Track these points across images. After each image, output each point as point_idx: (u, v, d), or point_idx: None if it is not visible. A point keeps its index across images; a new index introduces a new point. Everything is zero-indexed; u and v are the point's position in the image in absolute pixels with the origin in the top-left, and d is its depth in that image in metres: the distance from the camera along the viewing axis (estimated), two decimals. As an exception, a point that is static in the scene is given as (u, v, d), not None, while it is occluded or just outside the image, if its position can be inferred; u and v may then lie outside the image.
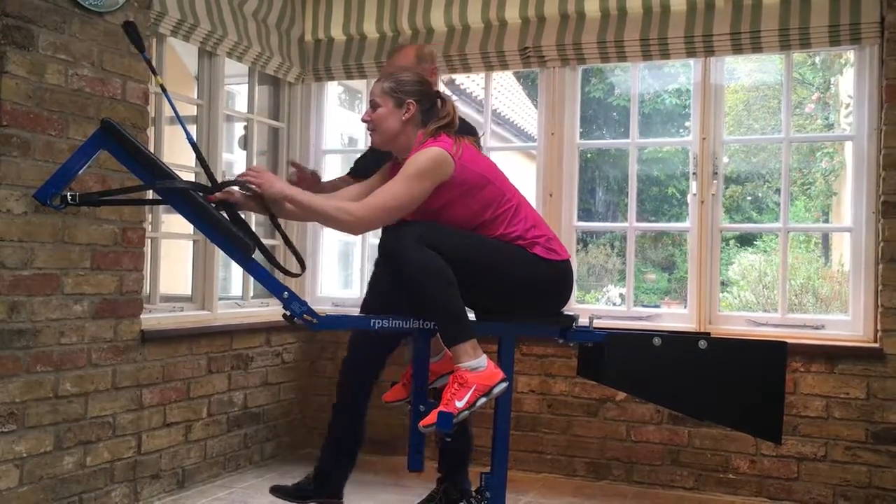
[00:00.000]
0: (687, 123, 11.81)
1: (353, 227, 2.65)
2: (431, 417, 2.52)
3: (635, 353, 2.78)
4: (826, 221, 10.17)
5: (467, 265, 2.57)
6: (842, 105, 8.02)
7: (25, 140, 3.04)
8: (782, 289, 4.21)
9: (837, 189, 9.85)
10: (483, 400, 2.51)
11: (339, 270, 8.59)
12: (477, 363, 2.53)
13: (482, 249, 2.64)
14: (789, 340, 3.77)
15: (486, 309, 2.75)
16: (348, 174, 3.52)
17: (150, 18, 3.64)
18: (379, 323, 2.74)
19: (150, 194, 2.74)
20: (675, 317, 4.27)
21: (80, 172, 2.50)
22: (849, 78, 8.68)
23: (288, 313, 2.67)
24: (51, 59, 3.12)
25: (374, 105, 2.75)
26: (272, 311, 4.65)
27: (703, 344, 2.73)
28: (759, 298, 8.59)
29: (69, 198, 2.44)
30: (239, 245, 2.63)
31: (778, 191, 11.25)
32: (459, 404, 2.47)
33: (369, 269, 3.75)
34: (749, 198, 10.93)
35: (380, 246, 2.77)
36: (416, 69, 3.07)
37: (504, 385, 2.57)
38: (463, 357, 2.53)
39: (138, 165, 2.55)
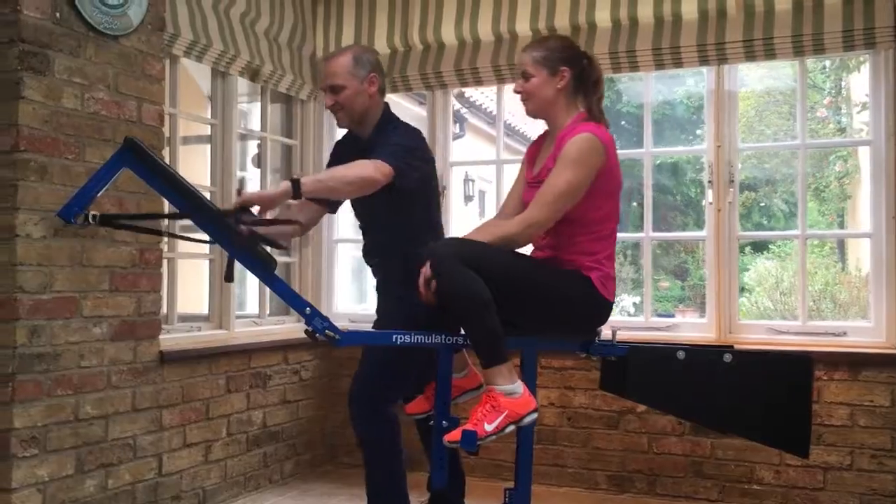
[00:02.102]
0: (698, 131, 11.79)
1: (534, 233, 2.64)
2: (456, 434, 2.50)
3: (659, 366, 2.76)
4: (841, 225, 10.11)
5: (507, 284, 2.54)
6: (856, 106, 7.95)
7: (43, 164, 3.05)
8: (802, 296, 4.17)
9: (852, 192, 9.79)
10: (512, 427, 2.49)
11: (353, 283, 8.60)
12: (513, 388, 2.51)
13: (523, 268, 2.62)
14: (811, 348, 3.77)
15: (518, 325, 2.70)
16: None
17: (164, 40, 3.65)
18: (401, 338, 2.74)
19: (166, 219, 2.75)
20: (694, 326, 4.24)
21: (103, 191, 2.51)
22: (861, 78, 8.67)
23: (310, 329, 2.67)
24: (67, 83, 3.13)
25: (526, 75, 2.74)
26: (289, 328, 4.65)
27: (727, 357, 2.71)
28: (777, 305, 8.52)
29: (90, 217, 2.46)
30: (262, 261, 2.65)
31: (790, 195, 11.20)
32: (489, 427, 2.45)
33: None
34: (762, 204, 10.89)
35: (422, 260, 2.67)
36: (353, 79, 2.99)
37: (535, 415, 2.55)
38: (498, 379, 2.51)
39: (160, 183, 2.57)
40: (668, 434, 4.01)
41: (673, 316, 10.14)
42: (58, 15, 3.08)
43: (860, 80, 8.66)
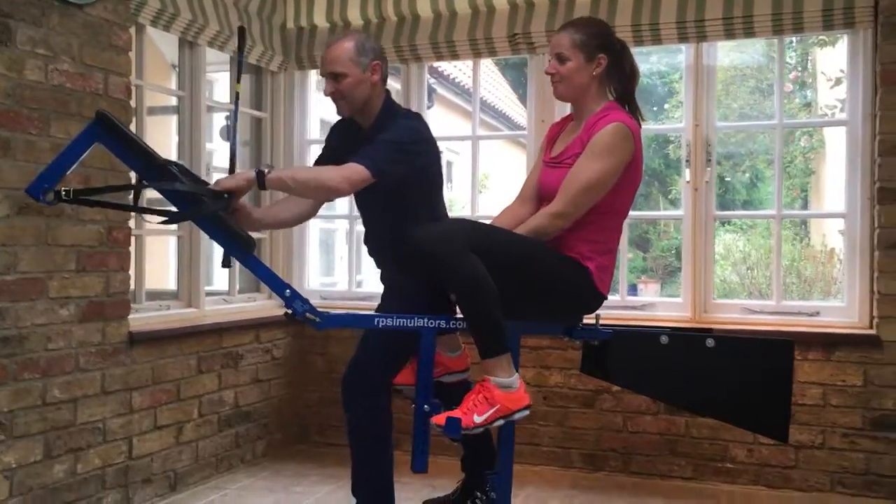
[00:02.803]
0: (666, 105, 11.80)
1: (563, 226, 2.58)
2: (441, 419, 2.46)
3: (642, 350, 2.75)
4: (805, 200, 10.22)
5: (504, 264, 2.48)
6: (829, 80, 7.94)
7: (5, 140, 2.92)
8: (777, 276, 4.19)
9: (816, 168, 9.89)
10: (501, 422, 2.46)
11: (321, 255, 8.51)
12: (509, 381, 2.47)
13: (522, 249, 2.55)
14: (785, 328, 3.81)
15: (506, 306, 2.65)
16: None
17: (130, 9, 3.50)
18: (384, 322, 2.68)
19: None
20: (669, 305, 4.24)
21: (73, 166, 2.42)
22: (829, 53, 8.70)
23: (290, 311, 2.62)
24: (30, 55, 2.99)
25: (561, 58, 2.65)
26: (260, 305, 4.58)
27: (710, 342, 2.70)
28: (744, 280, 8.59)
29: (63, 193, 2.36)
30: (240, 242, 2.58)
31: (752, 169, 11.29)
32: (478, 419, 2.41)
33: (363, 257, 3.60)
34: (727, 178, 10.95)
35: (414, 240, 2.56)
36: (354, 67, 2.85)
37: (526, 412, 2.51)
38: (496, 371, 2.46)
39: (135, 159, 2.47)
40: (642, 413, 4.02)
41: (635, 287, 10.21)
42: (20, -18, 2.94)
43: (828, 56, 8.67)
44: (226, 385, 4.07)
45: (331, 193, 2.85)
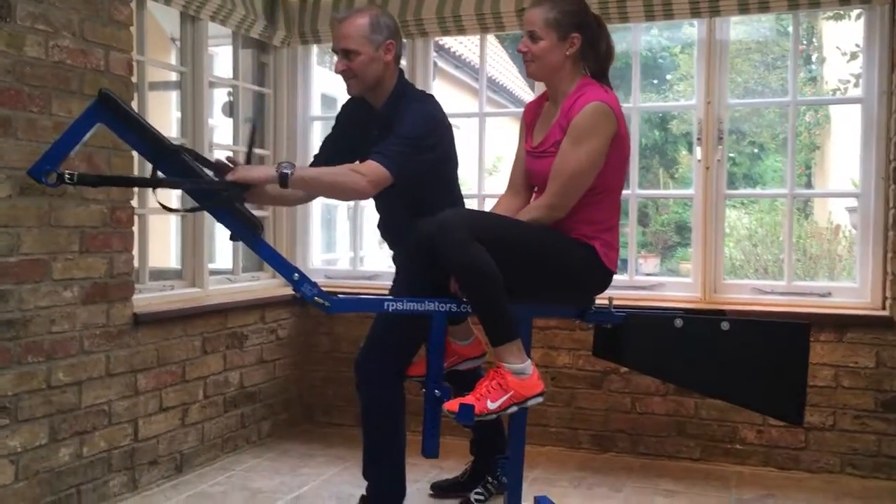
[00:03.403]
0: (668, 76, 11.68)
1: (560, 216, 2.54)
2: (455, 406, 2.42)
3: (656, 334, 2.71)
4: (809, 176, 10.14)
5: (510, 249, 2.44)
6: (844, 55, 7.79)
7: (6, 118, 2.85)
8: (788, 256, 4.14)
9: (821, 143, 9.79)
10: (514, 409, 2.42)
11: (323, 230, 8.46)
12: (522, 367, 2.43)
13: (528, 234, 2.51)
14: (797, 309, 3.77)
15: (517, 291, 2.58)
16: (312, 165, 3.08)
17: (131, -18, 3.42)
18: (393, 306, 2.64)
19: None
20: (679, 285, 4.19)
21: (76, 147, 2.36)
22: (838, 28, 8.57)
23: (298, 295, 2.58)
24: (29, 31, 2.91)
25: (533, 36, 2.58)
26: (264, 284, 4.53)
27: (725, 325, 2.65)
28: (749, 257, 8.53)
29: (66, 176, 2.31)
30: (246, 224, 2.54)
31: (753, 143, 11.19)
32: (491, 406, 2.37)
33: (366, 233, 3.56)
34: (730, 155, 10.87)
35: (417, 233, 2.56)
36: (368, 44, 2.80)
37: (540, 399, 2.47)
38: (509, 357, 2.42)
39: (138, 139, 2.42)
40: (651, 394, 3.98)
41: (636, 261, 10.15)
42: (18, -45, 2.85)
43: (842, 29, 8.51)
44: (231, 366, 4.03)
45: (354, 196, 2.86)
